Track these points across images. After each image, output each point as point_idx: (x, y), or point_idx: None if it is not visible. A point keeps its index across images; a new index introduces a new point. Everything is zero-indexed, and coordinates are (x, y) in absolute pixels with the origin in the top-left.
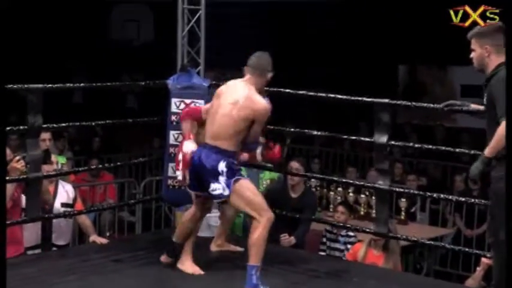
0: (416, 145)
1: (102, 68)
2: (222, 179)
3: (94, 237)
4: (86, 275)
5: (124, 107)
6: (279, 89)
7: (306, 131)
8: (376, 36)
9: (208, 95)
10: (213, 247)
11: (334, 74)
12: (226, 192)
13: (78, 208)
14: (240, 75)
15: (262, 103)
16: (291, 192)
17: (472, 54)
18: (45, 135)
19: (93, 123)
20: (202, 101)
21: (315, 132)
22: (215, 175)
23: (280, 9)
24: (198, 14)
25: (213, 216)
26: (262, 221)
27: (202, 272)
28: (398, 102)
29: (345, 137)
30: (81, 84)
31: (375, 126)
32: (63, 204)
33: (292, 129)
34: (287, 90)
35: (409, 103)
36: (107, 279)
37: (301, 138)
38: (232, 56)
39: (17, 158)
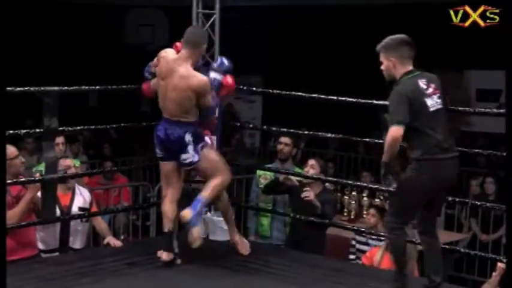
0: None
1: (116, 72)
2: (190, 148)
3: (109, 239)
4: (101, 278)
5: (138, 111)
6: (293, 92)
7: (320, 133)
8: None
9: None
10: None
11: (347, 77)
12: (196, 158)
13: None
14: (253, 80)
15: (197, 79)
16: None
17: (382, 67)
18: (59, 139)
19: (108, 127)
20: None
21: (329, 135)
22: (183, 147)
23: (290, 14)
24: (212, 18)
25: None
26: (224, 176)
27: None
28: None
29: (358, 139)
30: (96, 87)
31: (383, 129)
32: (80, 209)
33: (306, 132)
34: (301, 94)
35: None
36: (121, 282)
37: (316, 141)
38: (242, 61)
39: (22, 159)
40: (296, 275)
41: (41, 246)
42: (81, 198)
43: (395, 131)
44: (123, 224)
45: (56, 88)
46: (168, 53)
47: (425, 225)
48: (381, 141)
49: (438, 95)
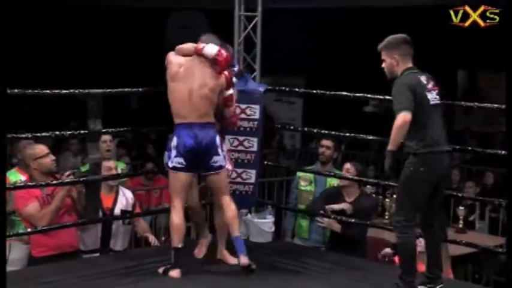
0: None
1: (157, 74)
2: (220, 151)
3: (150, 237)
4: (141, 278)
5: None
6: (336, 92)
7: (360, 136)
8: (434, 40)
9: (263, 100)
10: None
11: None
12: (224, 163)
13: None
14: (296, 82)
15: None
16: (345, 197)
17: (383, 65)
18: (106, 137)
19: (149, 129)
20: (257, 106)
21: (370, 137)
22: (214, 149)
23: (331, 15)
24: (254, 21)
25: (267, 222)
26: (231, 199)
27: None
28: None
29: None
30: (139, 89)
31: None
32: (123, 212)
33: (346, 134)
34: (344, 93)
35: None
36: (161, 283)
37: (357, 144)
38: (284, 63)
39: (52, 157)
40: (335, 277)
41: (81, 246)
42: (124, 200)
43: (403, 116)
44: (164, 225)
45: (99, 90)
46: (177, 56)
47: (427, 220)
48: None
49: (437, 91)
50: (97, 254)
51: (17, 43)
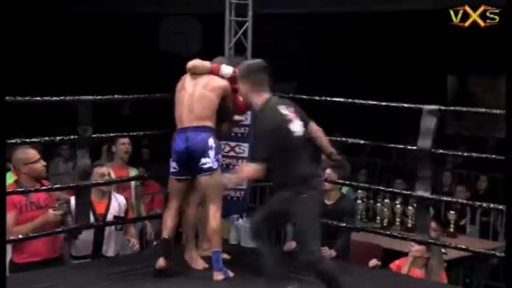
0: (460, 153)
1: (150, 80)
2: (211, 153)
3: (133, 240)
4: (131, 282)
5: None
6: (327, 98)
7: (351, 140)
8: (425, 45)
9: None
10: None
11: (380, 83)
12: (215, 166)
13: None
14: (287, 87)
15: (221, 80)
16: (325, 200)
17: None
18: (125, 140)
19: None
20: (248, 112)
21: (362, 142)
22: (205, 150)
23: (322, 20)
24: (245, 26)
25: None
26: (219, 206)
27: (206, 266)
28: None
29: (392, 145)
30: (129, 96)
31: (420, 133)
32: (116, 217)
33: (338, 138)
34: (335, 99)
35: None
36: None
37: (348, 148)
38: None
39: (43, 163)
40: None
41: (72, 252)
42: (117, 205)
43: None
44: (156, 230)
45: (89, 97)
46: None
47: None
48: (414, 147)
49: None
50: (88, 260)
51: (13, 49)
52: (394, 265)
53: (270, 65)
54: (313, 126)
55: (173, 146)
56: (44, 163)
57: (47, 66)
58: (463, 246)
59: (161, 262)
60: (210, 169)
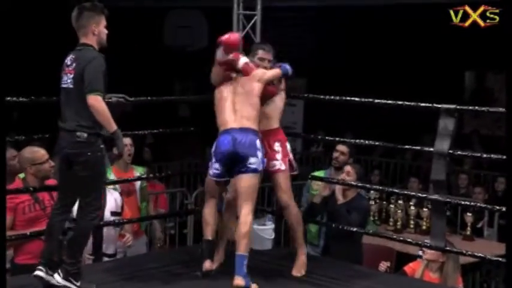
0: (479, 154)
1: (154, 75)
2: (259, 154)
3: (127, 235)
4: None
5: (177, 116)
6: (340, 97)
7: (365, 142)
8: (441, 40)
9: None
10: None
11: (394, 80)
12: (261, 167)
13: (125, 216)
14: (297, 83)
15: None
16: (340, 197)
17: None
18: (127, 141)
19: (146, 132)
20: None
21: (376, 143)
22: (254, 150)
23: (333, 14)
24: (253, 20)
25: (267, 229)
26: (252, 212)
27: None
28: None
29: (406, 147)
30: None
31: (437, 134)
32: (113, 213)
33: (350, 140)
34: (348, 98)
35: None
36: None
37: (361, 147)
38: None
39: (51, 163)
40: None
41: None
42: (113, 201)
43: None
44: (159, 231)
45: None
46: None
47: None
48: (431, 149)
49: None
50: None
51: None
52: (408, 268)
53: (278, 60)
54: None
55: (215, 146)
56: (52, 164)
57: (45, 65)
58: (481, 255)
59: (208, 265)
60: (256, 170)
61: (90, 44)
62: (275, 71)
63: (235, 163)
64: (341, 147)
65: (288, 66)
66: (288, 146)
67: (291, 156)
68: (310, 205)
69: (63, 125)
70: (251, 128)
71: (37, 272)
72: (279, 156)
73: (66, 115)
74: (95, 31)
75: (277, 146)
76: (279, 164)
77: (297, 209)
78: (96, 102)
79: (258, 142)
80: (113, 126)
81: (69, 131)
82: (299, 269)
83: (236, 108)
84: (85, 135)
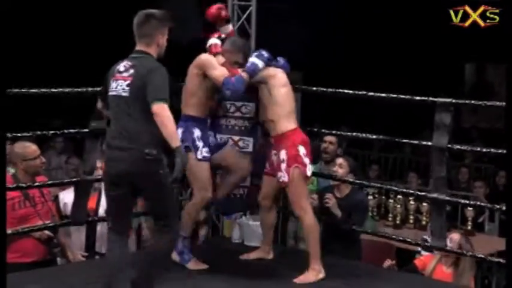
0: (479, 149)
1: None
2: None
3: None
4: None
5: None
6: (337, 90)
7: (362, 134)
8: (441, 32)
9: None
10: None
11: (393, 73)
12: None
13: None
14: (293, 76)
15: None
16: (336, 193)
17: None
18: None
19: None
20: (252, 104)
21: (374, 137)
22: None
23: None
24: (248, 11)
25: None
26: (198, 196)
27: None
28: (461, 101)
29: (404, 140)
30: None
31: (434, 128)
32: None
33: (347, 133)
34: (346, 91)
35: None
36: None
37: (359, 142)
38: (281, 56)
39: (43, 159)
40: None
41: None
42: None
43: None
44: (151, 229)
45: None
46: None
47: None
48: (429, 143)
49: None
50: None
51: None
52: (419, 261)
53: (274, 52)
54: None
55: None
56: (44, 160)
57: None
58: (481, 255)
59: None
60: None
61: (149, 53)
62: (223, 71)
63: None
64: (329, 138)
65: (254, 66)
66: (302, 149)
67: (302, 159)
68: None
69: (118, 141)
70: (184, 114)
71: None
72: (283, 166)
73: (124, 127)
74: (159, 42)
75: (283, 155)
76: (283, 176)
77: (310, 218)
78: (163, 110)
79: (179, 130)
80: (177, 141)
81: (132, 149)
82: (300, 279)
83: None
84: (154, 151)
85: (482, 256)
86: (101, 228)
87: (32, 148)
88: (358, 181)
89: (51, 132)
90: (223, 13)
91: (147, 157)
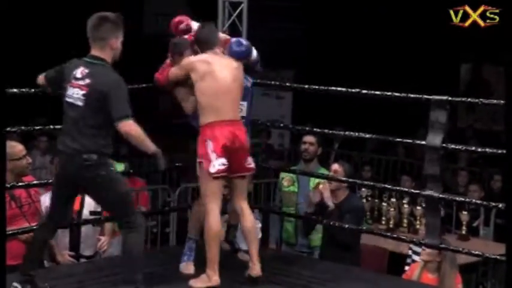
0: (474, 148)
1: (132, 65)
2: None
3: (102, 238)
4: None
5: (157, 110)
6: (328, 88)
7: (356, 134)
8: (437, 32)
9: (251, 95)
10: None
11: (387, 72)
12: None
13: (105, 215)
14: (284, 75)
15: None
16: (333, 199)
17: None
18: None
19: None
20: (244, 103)
21: (367, 136)
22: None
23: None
24: (240, 8)
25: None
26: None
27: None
28: (457, 99)
29: (398, 139)
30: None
31: (429, 127)
32: (92, 213)
33: (340, 132)
34: (339, 89)
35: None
36: None
37: (351, 142)
38: (272, 54)
39: (29, 160)
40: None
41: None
42: (92, 200)
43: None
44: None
45: None
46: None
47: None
48: (423, 142)
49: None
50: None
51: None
52: (405, 276)
53: (265, 51)
54: None
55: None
56: (30, 160)
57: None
58: (477, 252)
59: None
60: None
61: (104, 59)
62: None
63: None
64: (308, 138)
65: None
66: (210, 144)
67: (208, 155)
68: (305, 216)
69: (66, 147)
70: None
71: None
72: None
73: (73, 136)
74: (114, 46)
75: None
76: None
77: (211, 220)
78: (131, 126)
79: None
80: (151, 147)
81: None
82: (191, 282)
83: None
84: (94, 157)
85: (479, 253)
86: (86, 229)
87: (18, 148)
88: (351, 179)
89: (37, 127)
90: (180, 27)
91: (85, 163)
